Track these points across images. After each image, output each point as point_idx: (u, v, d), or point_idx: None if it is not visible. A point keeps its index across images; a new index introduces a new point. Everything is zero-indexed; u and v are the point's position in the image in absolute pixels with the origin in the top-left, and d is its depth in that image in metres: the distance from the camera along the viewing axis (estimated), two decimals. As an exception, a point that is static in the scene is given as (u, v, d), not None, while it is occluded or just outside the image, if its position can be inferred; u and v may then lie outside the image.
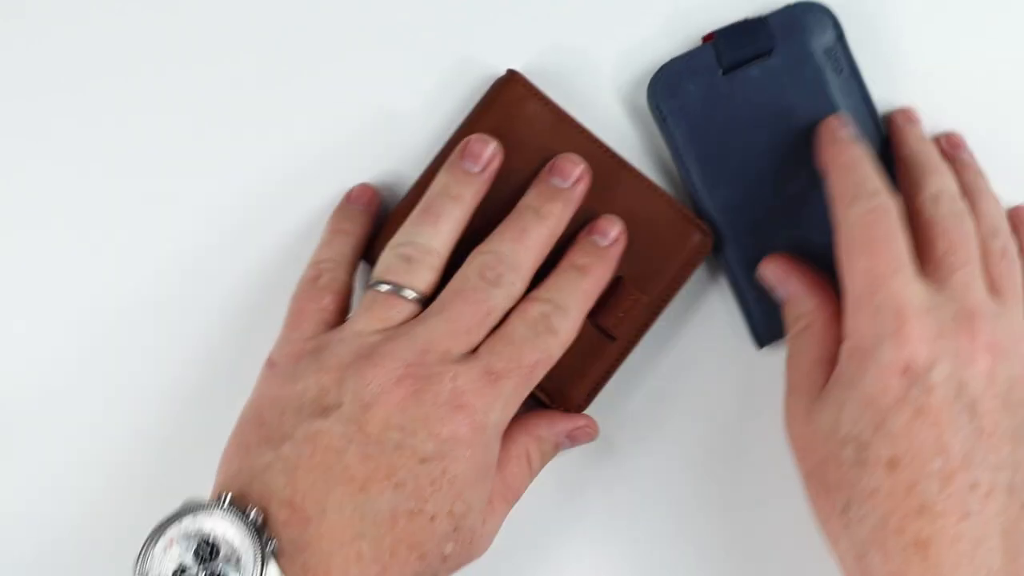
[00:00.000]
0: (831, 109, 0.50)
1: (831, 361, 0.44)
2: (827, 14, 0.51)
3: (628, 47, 0.52)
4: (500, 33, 0.53)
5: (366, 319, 0.45)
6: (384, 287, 0.45)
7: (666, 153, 0.52)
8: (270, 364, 0.46)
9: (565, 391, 0.49)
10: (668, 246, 0.50)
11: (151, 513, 0.42)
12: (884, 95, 0.52)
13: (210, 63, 0.53)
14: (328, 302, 0.48)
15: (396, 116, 0.53)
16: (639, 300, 0.49)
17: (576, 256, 0.47)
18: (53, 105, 0.53)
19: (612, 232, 0.48)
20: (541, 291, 0.46)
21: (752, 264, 0.51)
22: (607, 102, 0.52)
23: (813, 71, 0.50)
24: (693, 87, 0.51)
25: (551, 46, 0.52)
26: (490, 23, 0.53)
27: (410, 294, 0.45)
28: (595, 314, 0.48)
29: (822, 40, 0.51)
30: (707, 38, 0.51)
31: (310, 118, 0.53)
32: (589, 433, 0.49)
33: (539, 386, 0.47)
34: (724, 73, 0.51)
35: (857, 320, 0.42)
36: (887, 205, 0.43)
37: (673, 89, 0.51)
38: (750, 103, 0.51)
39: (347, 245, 0.49)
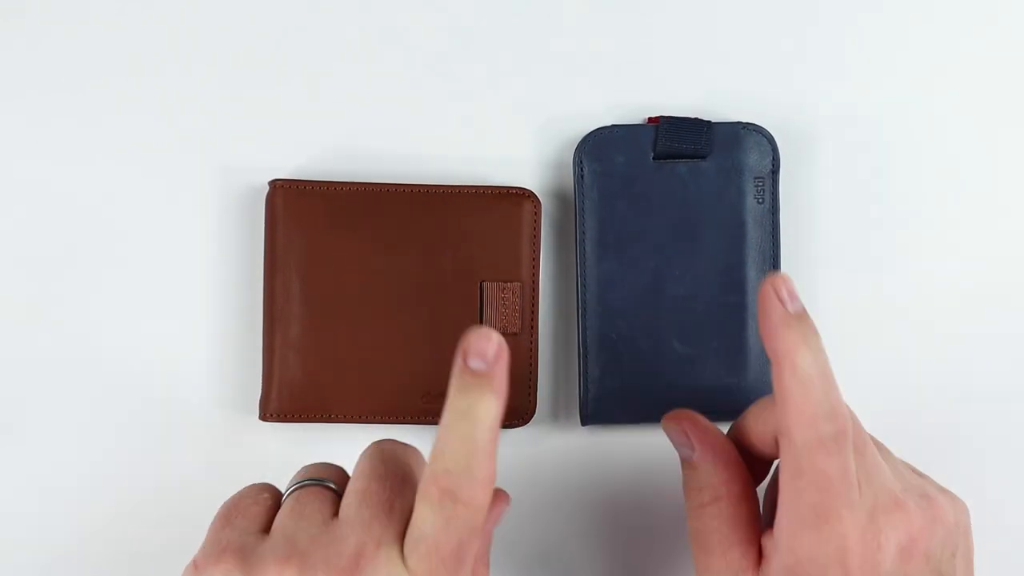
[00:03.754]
0: (740, 230, 0.51)
1: (746, 544, 0.41)
2: (770, 145, 0.51)
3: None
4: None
5: (291, 517, 0.40)
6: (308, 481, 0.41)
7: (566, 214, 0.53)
8: (194, 566, 0.40)
9: (508, 407, 0.50)
10: (510, 229, 0.51)
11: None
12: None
13: (209, 64, 0.53)
14: (267, 496, 0.42)
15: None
16: (513, 289, 0.51)
17: (457, 399, 0.37)
18: (52, 105, 0.53)
19: (490, 350, 0.37)
20: (433, 461, 0.38)
21: (605, 344, 0.51)
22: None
23: (736, 191, 0.51)
24: (621, 159, 0.51)
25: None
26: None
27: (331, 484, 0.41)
28: (484, 324, 0.50)
29: (757, 166, 0.51)
30: (652, 120, 0.52)
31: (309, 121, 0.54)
32: (505, 505, 0.43)
33: None
34: (654, 158, 0.51)
35: (799, 541, 0.39)
36: (845, 430, 0.38)
37: (601, 153, 0.51)
38: (667, 196, 0.51)
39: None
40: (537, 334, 0.52)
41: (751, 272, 0.51)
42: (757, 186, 0.51)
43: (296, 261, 0.51)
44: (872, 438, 0.42)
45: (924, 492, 0.40)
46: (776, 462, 0.43)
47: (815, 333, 0.38)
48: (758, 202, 0.52)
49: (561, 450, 0.53)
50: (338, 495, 0.41)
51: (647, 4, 0.54)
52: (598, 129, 0.51)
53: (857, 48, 0.54)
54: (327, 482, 0.41)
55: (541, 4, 0.54)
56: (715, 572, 0.41)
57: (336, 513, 0.39)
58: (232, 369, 0.53)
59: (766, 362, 0.51)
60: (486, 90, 0.53)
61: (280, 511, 0.40)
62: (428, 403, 0.51)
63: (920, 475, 0.43)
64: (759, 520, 0.42)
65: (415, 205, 0.51)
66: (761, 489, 0.44)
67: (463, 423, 0.37)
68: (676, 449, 0.44)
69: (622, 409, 0.51)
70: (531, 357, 0.51)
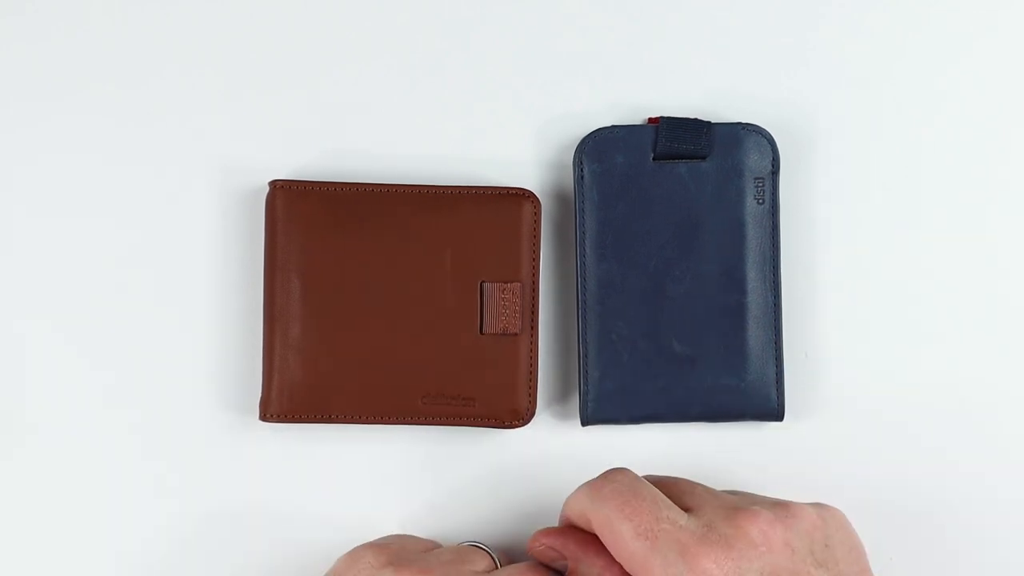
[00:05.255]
0: (740, 231, 0.51)
1: None
2: (770, 146, 0.52)
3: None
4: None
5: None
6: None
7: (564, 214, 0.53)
8: None
9: (508, 407, 0.51)
10: (509, 229, 0.51)
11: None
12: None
13: (209, 64, 0.53)
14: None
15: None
16: (513, 289, 0.51)
17: None
18: (52, 106, 0.53)
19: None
20: None
21: (605, 345, 0.51)
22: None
23: (736, 192, 0.51)
24: (621, 159, 0.51)
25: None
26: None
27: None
28: (484, 327, 0.50)
29: (757, 167, 0.51)
30: (652, 120, 0.52)
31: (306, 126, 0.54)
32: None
33: (482, 418, 0.50)
34: (655, 159, 0.51)
35: None
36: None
37: (601, 154, 0.51)
38: (667, 196, 0.51)
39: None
40: (537, 334, 0.52)
41: (751, 272, 0.51)
42: (757, 186, 0.52)
43: (296, 262, 0.51)
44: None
45: (777, 502, 0.44)
46: None
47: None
48: (758, 202, 0.52)
49: (561, 450, 0.53)
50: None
51: (647, 4, 0.54)
52: (598, 129, 0.52)
53: (857, 48, 0.54)
54: None
55: (541, 4, 0.54)
56: None
57: None
58: (232, 369, 0.53)
59: (766, 362, 0.51)
60: (486, 90, 0.54)
61: None
62: (428, 403, 0.51)
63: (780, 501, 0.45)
64: None
65: (415, 205, 0.51)
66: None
67: None
68: (556, 567, 0.47)
69: (622, 409, 0.51)
70: (531, 357, 0.51)
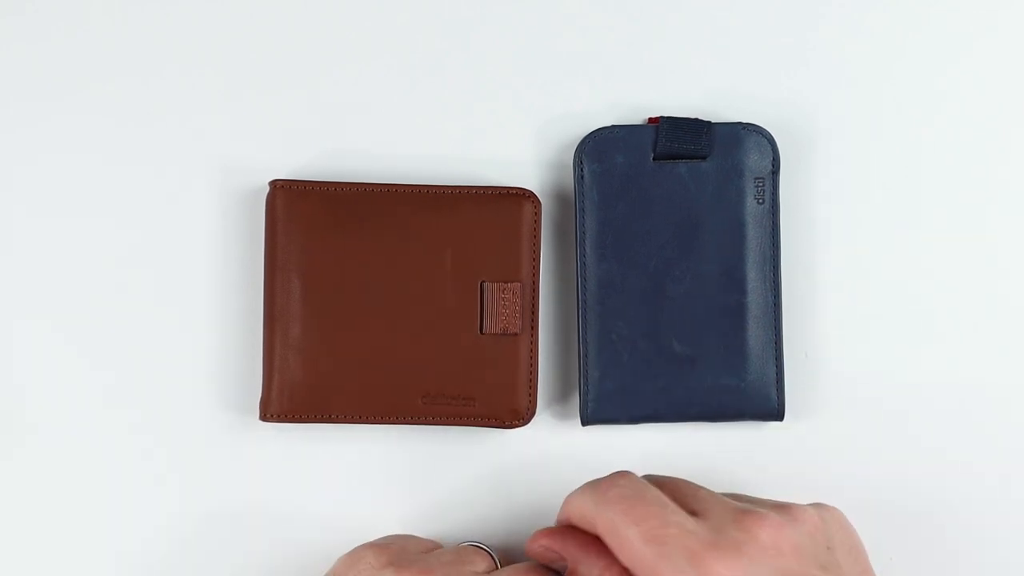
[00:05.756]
0: (740, 231, 0.51)
1: None
2: (771, 146, 0.52)
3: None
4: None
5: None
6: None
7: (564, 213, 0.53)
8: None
9: (508, 407, 0.51)
10: (509, 229, 0.51)
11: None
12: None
13: (209, 64, 0.54)
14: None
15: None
16: (513, 289, 0.51)
17: None
18: (52, 106, 0.53)
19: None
20: None
21: (605, 344, 0.51)
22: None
23: (736, 192, 0.51)
24: (621, 159, 0.51)
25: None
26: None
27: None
28: (484, 327, 0.51)
29: (757, 167, 0.52)
30: (652, 120, 0.52)
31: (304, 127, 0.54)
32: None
33: (482, 418, 0.50)
34: (655, 159, 0.51)
35: None
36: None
37: (601, 154, 0.51)
38: (667, 196, 0.51)
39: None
40: (537, 334, 0.52)
41: (751, 272, 0.51)
42: (757, 186, 0.52)
43: (296, 261, 0.51)
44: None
45: (777, 504, 0.44)
46: None
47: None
48: (758, 202, 0.52)
49: (561, 450, 0.53)
50: None
51: (647, 4, 0.54)
52: (598, 129, 0.52)
53: (857, 48, 0.54)
54: None
55: (541, 4, 0.54)
56: None
57: None
58: (232, 369, 0.53)
59: (766, 362, 0.51)
60: (486, 90, 0.54)
61: None
62: (428, 403, 0.51)
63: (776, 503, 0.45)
64: None
65: (415, 205, 0.51)
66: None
67: None
68: (556, 567, 0.47)
69: (622, 409, 0.51)
70: (531, 357, 0.51)
